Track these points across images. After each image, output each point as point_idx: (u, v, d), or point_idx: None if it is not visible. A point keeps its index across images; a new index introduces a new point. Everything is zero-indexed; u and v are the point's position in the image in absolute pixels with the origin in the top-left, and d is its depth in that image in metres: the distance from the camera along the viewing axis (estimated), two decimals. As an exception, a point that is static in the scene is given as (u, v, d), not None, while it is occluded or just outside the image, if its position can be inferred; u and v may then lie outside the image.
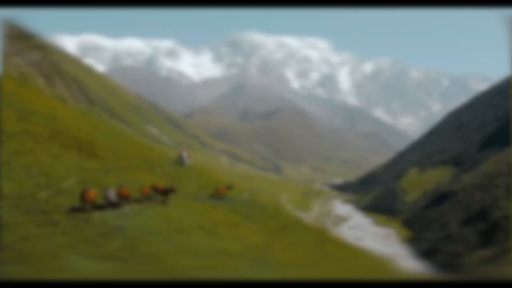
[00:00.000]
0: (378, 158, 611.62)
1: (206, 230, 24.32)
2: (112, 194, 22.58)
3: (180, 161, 39.10)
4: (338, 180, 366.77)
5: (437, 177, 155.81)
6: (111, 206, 22.68)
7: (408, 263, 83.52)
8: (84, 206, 20.97)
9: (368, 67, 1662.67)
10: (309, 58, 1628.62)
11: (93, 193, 21.68)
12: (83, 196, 20.94)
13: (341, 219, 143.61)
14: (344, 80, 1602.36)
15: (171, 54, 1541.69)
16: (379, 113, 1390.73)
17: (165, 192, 27.78)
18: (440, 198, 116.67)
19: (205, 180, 37.03)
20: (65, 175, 24.44)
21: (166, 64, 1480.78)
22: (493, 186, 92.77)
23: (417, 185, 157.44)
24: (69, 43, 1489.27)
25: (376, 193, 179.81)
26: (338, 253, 33.54)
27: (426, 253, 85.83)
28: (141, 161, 34.50)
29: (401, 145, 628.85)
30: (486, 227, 74.36)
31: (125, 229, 19.73)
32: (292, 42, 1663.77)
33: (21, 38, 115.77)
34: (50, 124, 33.26)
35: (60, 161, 26.41)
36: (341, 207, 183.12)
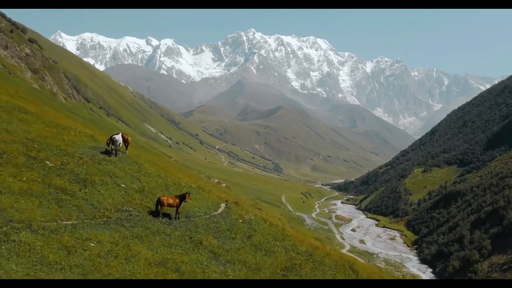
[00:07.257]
0: (378, 157, 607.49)
1: None
2: None
3: (113, 149, 23.31)
4: (339, 180, 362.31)
5: (442, 177, 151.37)
6: None
7: (416, 268, 79.07)
8: None
9: (368, 66, 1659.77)
10: (309, 57, 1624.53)
11: None
12: None
13: (343, 221, 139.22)
14: (345, 79, 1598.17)
15: (171, 52, 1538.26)
16: (380, 112, 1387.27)
17: None
18: (446, 199, 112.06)
19: (146, 182, 21.24)
20: None
21: (166, 62, 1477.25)
22: (504, 186, 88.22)
23: (421, 185, 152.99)
24: (70, 42, 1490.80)
25: (378, 193, 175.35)
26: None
27: (434, 257, 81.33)
28: (23, 148, 19.08)
29: (401, 145, 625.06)
30: (500, 230, 69.76)
31: None
32: (292, 41, 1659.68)
33: (13, 32, 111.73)
34: None
35: None
36: (343, 208, 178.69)
